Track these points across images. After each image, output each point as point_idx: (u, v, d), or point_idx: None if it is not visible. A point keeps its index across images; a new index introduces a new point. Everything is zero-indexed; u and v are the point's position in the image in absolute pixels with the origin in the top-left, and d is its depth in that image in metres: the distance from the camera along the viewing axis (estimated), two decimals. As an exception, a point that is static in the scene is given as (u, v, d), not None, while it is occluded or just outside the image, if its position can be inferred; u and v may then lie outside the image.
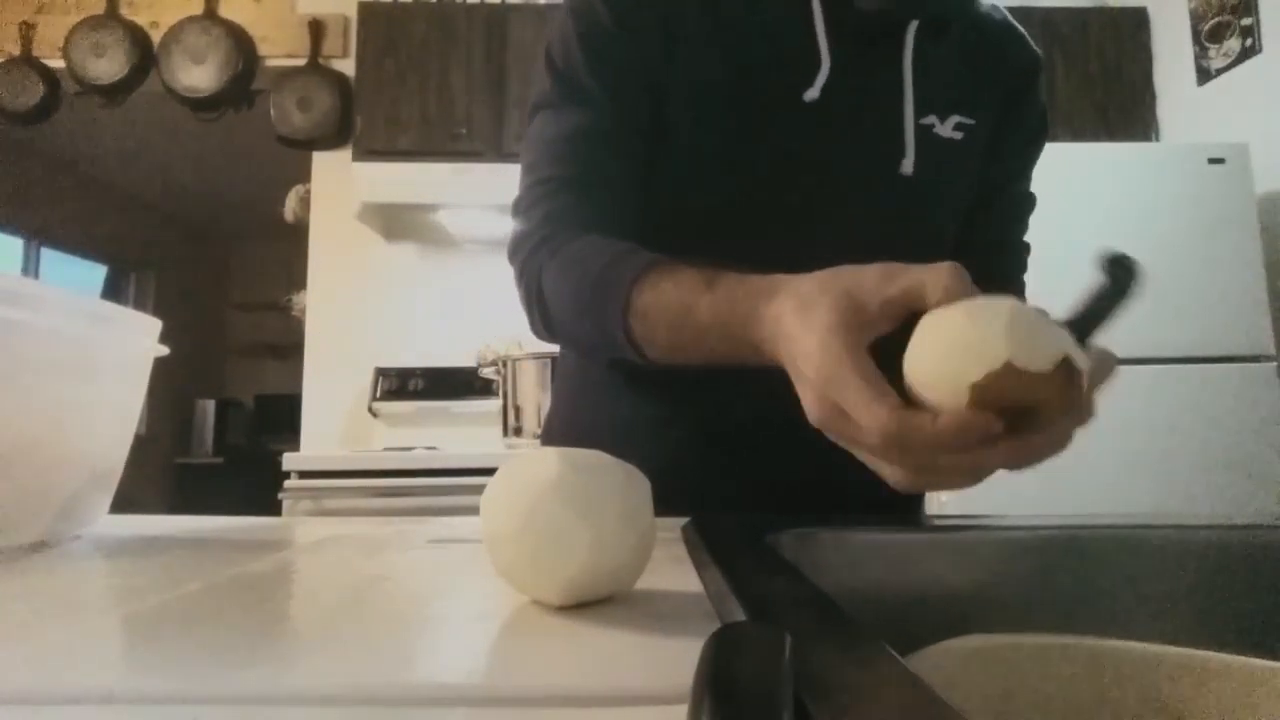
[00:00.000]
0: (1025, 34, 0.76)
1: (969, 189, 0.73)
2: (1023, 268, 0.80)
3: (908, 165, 0.68)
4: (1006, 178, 0.77)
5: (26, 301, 0.48)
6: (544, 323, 0.67)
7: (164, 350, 0.63)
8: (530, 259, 0.66)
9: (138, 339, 0.60)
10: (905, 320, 0.39)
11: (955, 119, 0.70)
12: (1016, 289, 0.79)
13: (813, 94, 0.66)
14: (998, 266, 0.78)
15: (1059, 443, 0.38)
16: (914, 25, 0.68)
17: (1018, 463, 0.38)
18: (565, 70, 0.68)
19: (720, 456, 0.71)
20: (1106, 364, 0.41)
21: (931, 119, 0.69)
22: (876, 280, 0.40)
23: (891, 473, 0.39)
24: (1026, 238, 0.81)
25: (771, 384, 0.46)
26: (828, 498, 0.67)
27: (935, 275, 0.38)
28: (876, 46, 0.68)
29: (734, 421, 0.70)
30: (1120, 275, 0.40)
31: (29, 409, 0.49)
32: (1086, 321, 0.40)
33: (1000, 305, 0.36)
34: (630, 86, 0.67)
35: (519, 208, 0.69)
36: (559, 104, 0.68)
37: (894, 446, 0.36)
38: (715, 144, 0.67)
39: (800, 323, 0.41)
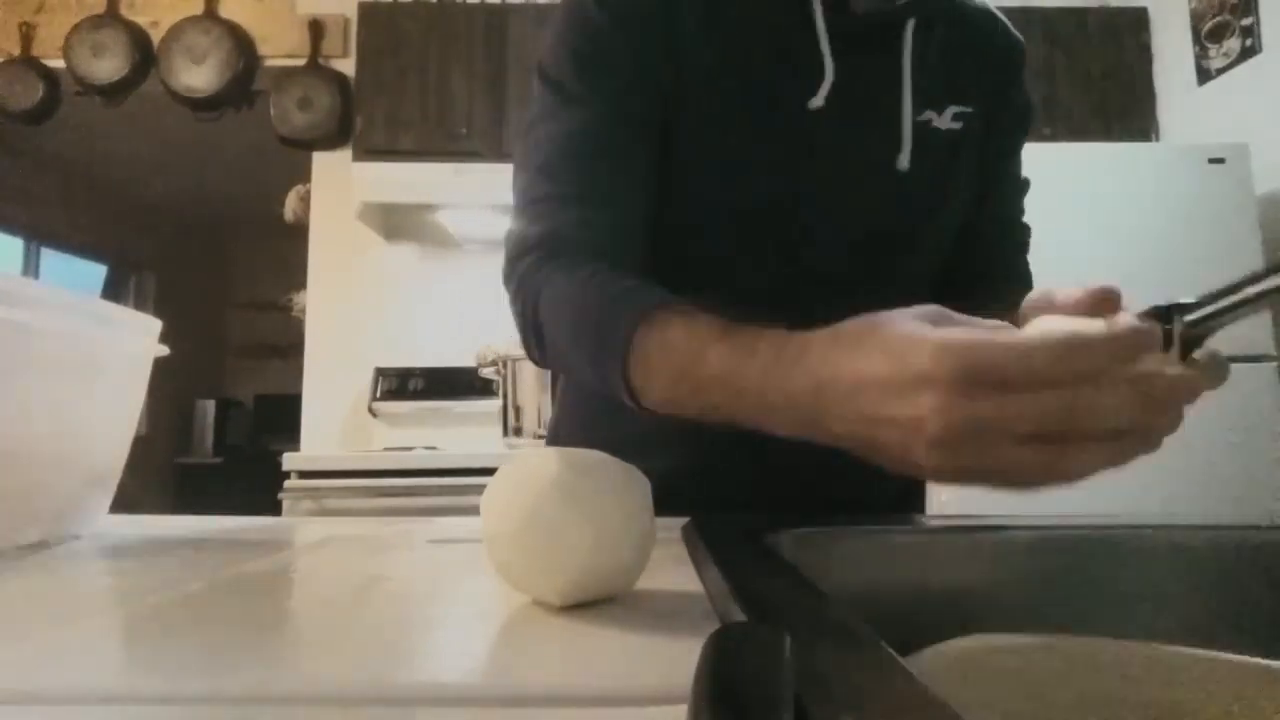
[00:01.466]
0: (1007, 21, 0.77)
1: (970, 180, 0.74)
2: (1025, 248, 0.81)
3: (903, 160, 0.68)
4: (998, 163, 0.78)
5: (27, 301, 0.48)
6: (539, 348, 0.64)
7: (164, 350, 0.63)
8: (527, 280, 0.63)
9: (138, 339, 0.60)
10: None
11: (953, 109, 0.70)
12: (1021, 268, 0.79)
13: (817, 102, 0.66)
14: (1000, 245, 0.79)
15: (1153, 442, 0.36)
16: (911, 23, 0.68)
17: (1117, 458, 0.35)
18: (561, 81, 0.66)
19: (735, 458, 0.70)
20: (1219, 368, 0.40)
21: (929, 114, 0.70)
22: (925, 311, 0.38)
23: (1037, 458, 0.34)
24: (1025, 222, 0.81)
25: None
26: (842, 502, 0.67)
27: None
28: (876, 48, 0.68)
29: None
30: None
31: (29, 409, 0.49)
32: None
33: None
34: (630, 93, 0.65)
35: (516, 223, 0.67)
36: (555, 115, 0.66)
37: (1079, 372, 0.32)
38: (718, 154, 0.67)
39: (855, 341, 0.38)
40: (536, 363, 0.68)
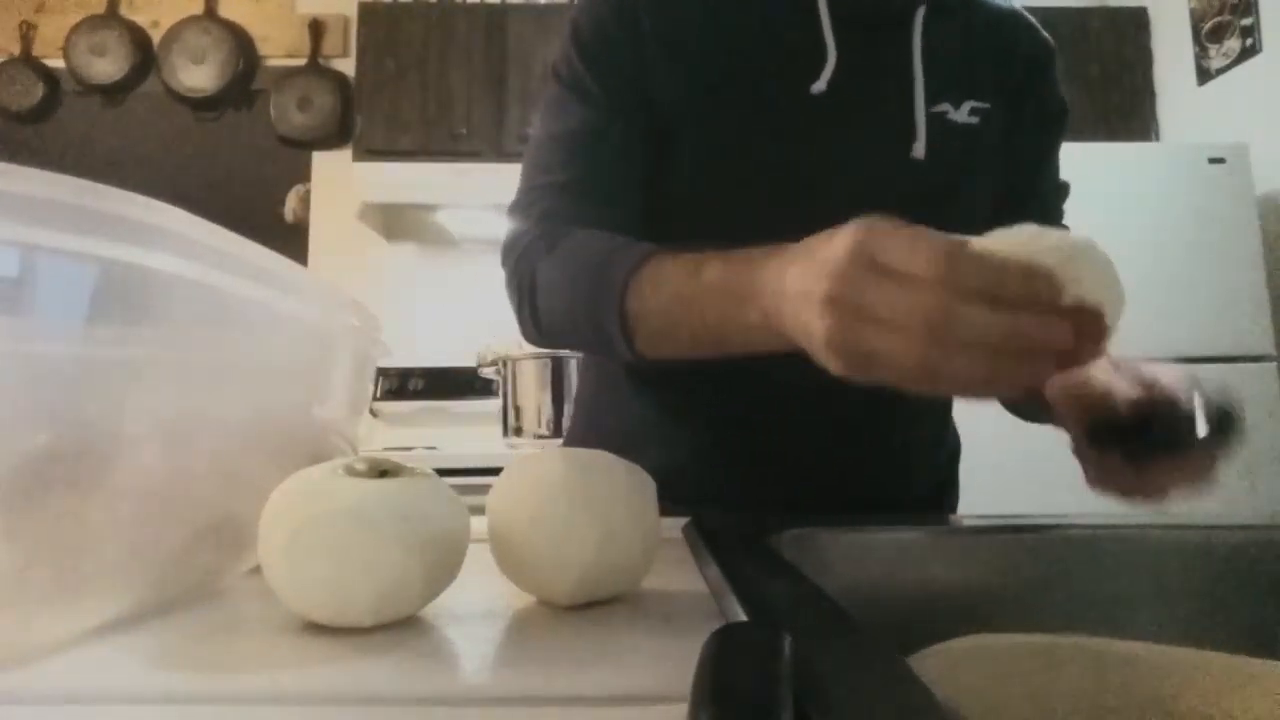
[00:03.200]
0: (1035, 22, 0.76)
1: (991, 176, 0.73)
2: None
3: (919, 149, 0.67)
4: (1032, 167, 0.76)
5: (298, 289, 0.43)
6: (533, 320, 0.65)
7: (389, 351, 0.57)
8: (524, 257, 0.65)
9: (374, 335, 0.54)
10: None
11: (970, 104, 0.69)
12: None
13: (819, 86, 0.66)
14: None
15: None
16: (921, 10, 0.68)
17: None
18: (567, 75, 0.68)
19: (741, 451, 0.71)
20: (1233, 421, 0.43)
21: (945, 106, 0.69)
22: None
23: (915, 349, 0.35)
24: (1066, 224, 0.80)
25: (794, 374, 0.45)
26: (848, 495, 0.67)
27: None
28: (884, 35, 0.68)
29: (756, 414, 0.69)
30: (1225, 427, 0.41)
31: (290, 412, 0.44)
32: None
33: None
34: (631, 89, 0.66)
35: (514, 212, 0.68)
36: (560, 109, 0.68)
37: (951, 280, 0.33)
38: (721, 140, 0.67)
39: (816, 242, 0.41)
40: (533, 341, 0.69)
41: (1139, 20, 2.71)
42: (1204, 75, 2.50)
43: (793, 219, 0.67)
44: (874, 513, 0.65)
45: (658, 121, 0.67)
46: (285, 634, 0.32)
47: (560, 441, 0.99)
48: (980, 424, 2.01)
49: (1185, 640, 0.39)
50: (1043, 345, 0.34)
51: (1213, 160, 2.11)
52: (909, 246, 0.35)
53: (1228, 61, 2.41)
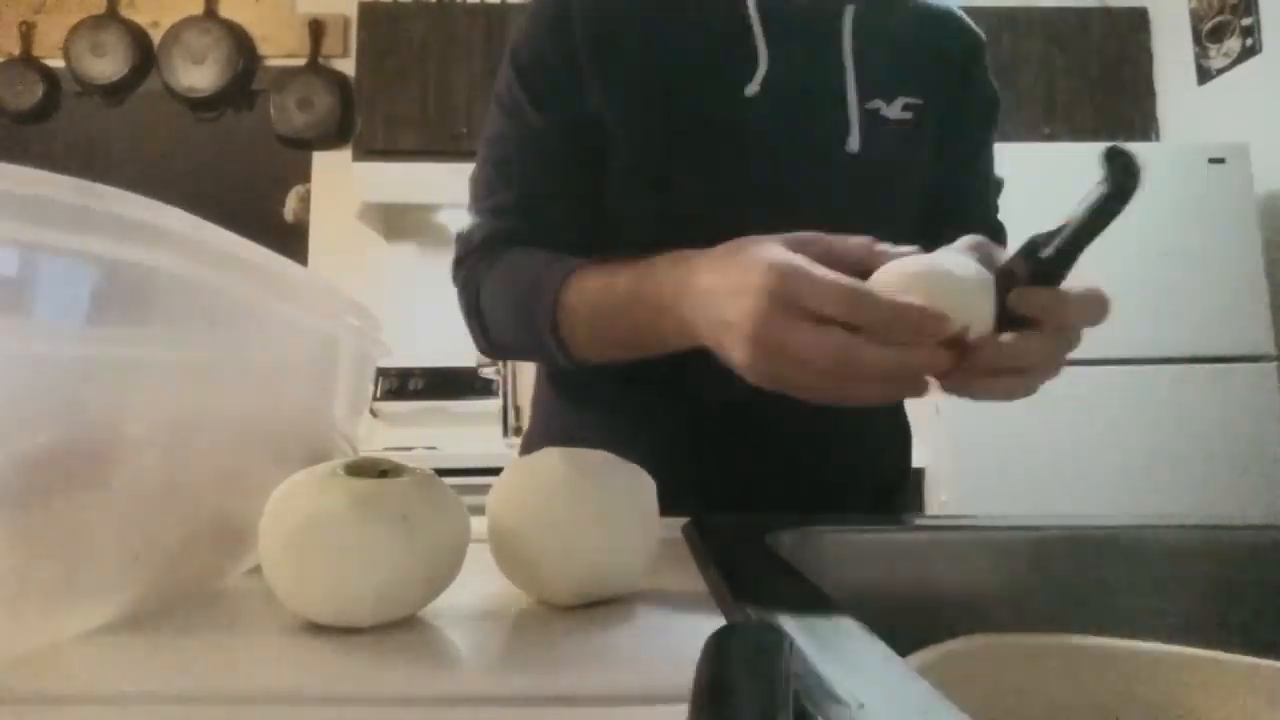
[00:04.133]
0: (964, 16, 0.77)
1: (925, 169, 0.73)
2: (1002, 245, 0.80)
3: (853, 143, 0.68)
4: (969, 160, 0.77)
5: (294, 292, 0.42)
6: (482, 333, 0.70)
7: (390, 350, 0.58)
8: (471, 277, 0.69)
9: (374, 336, 0.55)
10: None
11: (902, 100, 0.70)
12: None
13: (753, 89, 0.67)
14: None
15: (1041, 360, 0.43)
16: (850, 10, 0.69)
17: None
18: (507, 100, 0.70)
19: (706, 447, 0.71)
20: (1096, 302, 0.44)
21: (878, 103, 0.69)
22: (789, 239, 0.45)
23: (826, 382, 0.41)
24: (1001, 219, 0.80)
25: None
26: (817, 486, 0.68)
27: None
28: (814, 36, 0.69)
29: (721, 409, 0.69)
30: (1121, 177, 0.39)
31: (285, 411, 0.44)
32: (1084, 230, 0.41)
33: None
34: (567, 108, 0.68)
35: (460, 235, 0.73)
36: (500, 132, 0.71)
37: (858, 305, 0.39)
38: (659, 149, 0.68)
39: (725, 253, 0.46)
40: (485, 353, 0.73)
41: (1139, 20, 2.71)
42: (1204, 75, 2.50)
43: (732, 210, 0.68)
44: (835, 503, 0.66)
45: (596, 135, 0.68)
46: (285, 634, 0.32)
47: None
48: (981, 424, 2.02)
49: (1185, 640, 0.39)
50: (928, 373, 0.42)
51: (1213, 160, 2.11)
52: (820, 291, 0.40)
53: (1228, 61, 2.41)
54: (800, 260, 0.41)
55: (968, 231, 0.79)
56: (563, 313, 0.59)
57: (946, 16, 0.76)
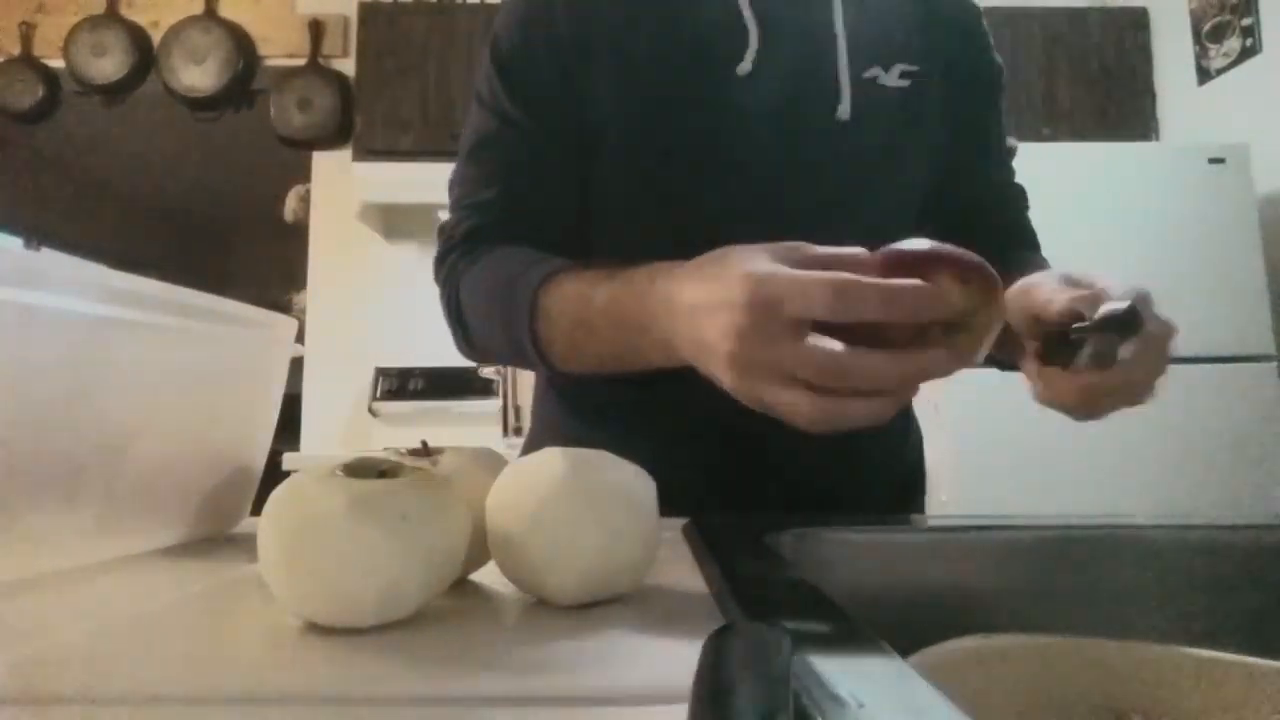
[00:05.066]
0: None
1: (929, 138, 0.73)
2: (1024, 208, 0.80)
3: (843, 111, 0.67)
4: (975, 124, 0.77)
5: (173, 309, 0.49)
6: (465, 339, 0.68)
7: (301, 350, 0.62)
8: (449, 279, 0.68)
9: (280, 339, 0.59)
10: None
11: (900, 67, 0.70)
12: (1022, 227, 0.79)
13: (745, 67, 0.66)
14: (996, 211, 0.79)
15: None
16: None
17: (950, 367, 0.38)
18: (488, 95, 0.69)
19: (701, 451, 0.70)
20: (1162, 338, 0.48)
21: (875, 71, 0.69)
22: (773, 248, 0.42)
23: (811, 403, 0.38)
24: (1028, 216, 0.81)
25: None
26: (823, 491, 0.67)
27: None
28: (803, 9, 0.68)
29: (712, 415, 0.69)
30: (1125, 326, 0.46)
31: (180, 412, 0.50)
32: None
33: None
34: (551, 101, 0.67)
35: (442, 231, 0.71)
36: (481, 128, 0.70)
37: (842, 295, 0.36)
38: (653, 133, 0.67)
39: (705, 265, 0.43)
40: (465, 354, 0.71)
41: (1139, 20, 2.71)
42: (1204, 75, 2.50)
43: (726, 185, 0.67)
44: (844, 508, 0.66)
45: (586, 126, 0.67)
46: (285, 634, 0.32)
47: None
48: (981, 424, 2.02)
49: (1185, 640, 0.39)
50: (928, 379, 0.38)
51: (1213, 160, 2.11)
52: (801, 289, 0.37)
53: (1228, 61, 2.41)
54: (780, 266, 0.39)
55: (979, 206, 0.79)
56: (540, 321, 0.57)
57: None
